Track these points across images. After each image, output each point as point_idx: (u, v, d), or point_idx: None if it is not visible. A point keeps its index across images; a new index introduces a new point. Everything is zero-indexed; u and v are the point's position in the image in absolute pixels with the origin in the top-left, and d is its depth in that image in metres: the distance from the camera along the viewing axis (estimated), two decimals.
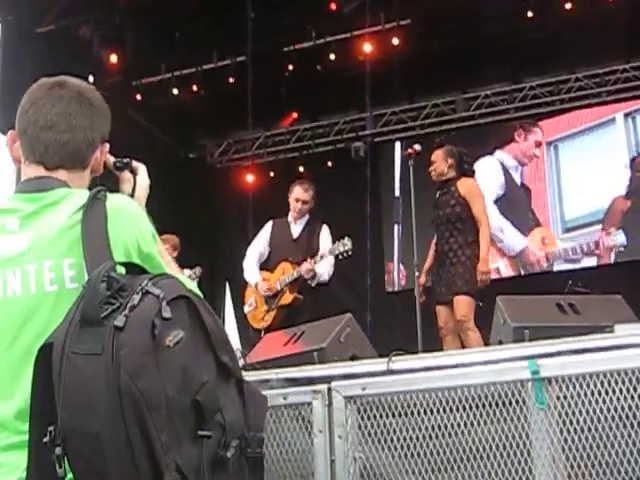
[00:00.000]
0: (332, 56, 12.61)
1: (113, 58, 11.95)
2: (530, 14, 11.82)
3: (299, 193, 8.97)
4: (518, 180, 13.64)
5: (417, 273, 8.06)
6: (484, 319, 7.20)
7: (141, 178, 2.85)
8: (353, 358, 6.00)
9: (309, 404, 3.52)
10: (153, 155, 11.89)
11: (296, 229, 8.97)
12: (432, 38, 12.27)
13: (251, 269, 9.02)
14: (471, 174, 8.54)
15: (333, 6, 11.60)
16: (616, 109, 13.34)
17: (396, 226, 13.59)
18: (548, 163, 13.65)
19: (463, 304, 7.98)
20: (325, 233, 8.92)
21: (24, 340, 2.28)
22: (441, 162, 8.39)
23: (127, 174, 2.83)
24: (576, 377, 3.21)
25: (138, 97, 13.33)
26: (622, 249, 12.88)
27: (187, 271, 9.18)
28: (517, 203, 12.91)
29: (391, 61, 12.20)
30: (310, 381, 4.15)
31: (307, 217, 9.01)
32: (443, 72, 12.71)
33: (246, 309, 9.16)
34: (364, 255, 13.33)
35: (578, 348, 3.80)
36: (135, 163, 2.86)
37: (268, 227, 9.15)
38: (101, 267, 2.13)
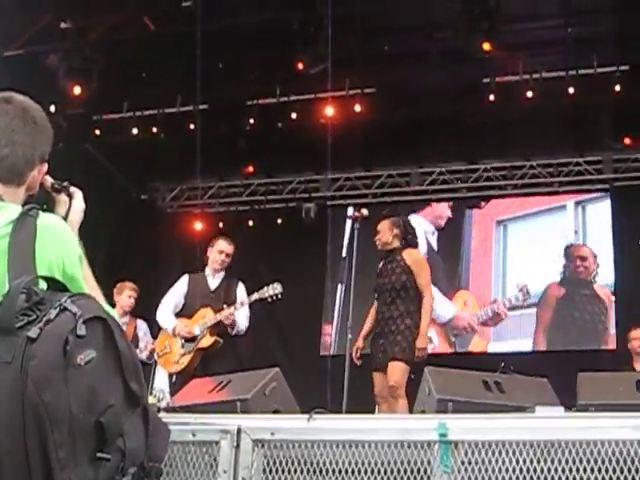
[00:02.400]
0: (294, 115, 12.75)
1: (77, 90, 11.91)
2: (492, 97, 12.03)
3: (224, 246, 9.21)
4: (435, 245, 13.87)
5: (350, 335, 8.09)
6: (415, 390, 7.26)
7: (77, 202, 2.87)
8: (276, 412, 6.00)
9: (217, 443, 3.52)
10: (105, 191, 11.91)
11: (213, 282, 9.18)
12: (394, 109, 12.43)
13: (167, 316, 9.11)
14: (415, 245, 8.62)
15: (300, 66, 11.70)
16: (568, 197, 13.57)
17: (339, 286, 13.66)
18: (496, 241, 13.84)
19: (397, 370, 8.00)
20: (241, 289, 9.09)
21: None
22: (386, 232, 8.48)
23: (63, 197, 2.85)
24: (483, 443, 3.24)
25: (97, 132, 13.35)
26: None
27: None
28: (437, 268, 13.12)
29: (351, 127, 12.33)
30: None
31: (223, 273, 9.16)
32: (402, 144, 12.87)
33: (156, 356, 9.24)
34: (303, 315, 13.39)
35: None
36: (73, 188, 2.88)
37: (184, 280, 9.29)
38: (22, 278, 2.14)
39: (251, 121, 12.89)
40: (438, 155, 13.64)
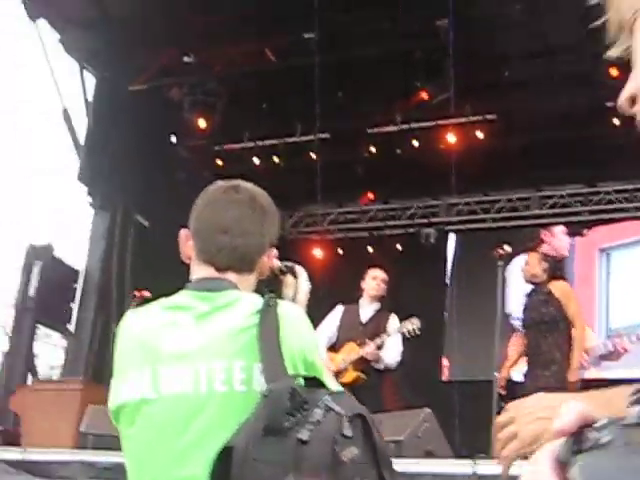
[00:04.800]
0: (415, 142, 12.76)
1: (201, 123, 12.16)
2: (616, 121, 11.89)
3: (377, 272, 9.19)
4: None
5: (497, 374, 8.06)
6: None
7: (303, 282, 2.93)
8: (429, 454, 6.04)
9: None
10: None
11: (365, 314, 9.09)
12: (515, 134, 12.38)
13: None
14: (562, 277, 8.59)
15: (423, 95, 11.76)
16: None
17: (445, 314, 13.73)
18: (599, 270, 13.67)
19: None
20: (393, 321, 8.99)
21: (190, 436, 2.36)
22: (536, 265, 8.46)
23: (290, 278, 2.92)
24: None
25: (219, 162, 13.53)
26: None
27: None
28: None
29: (471, 153, 12.29)
30: None
31: (378, 304, 9.11)
32: (522, 168, 12.79)
33: None
34: (423, 343, 13.39)
35: None
36: (297, 267, 2.95)
37: (338, 311, 9.24)
38: (286, 380, 2.21)
39: (372, 149, 12.96)
40: (558, 179, 13.51)
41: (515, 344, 8.81)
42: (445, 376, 13.81)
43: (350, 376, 8.74)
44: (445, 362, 13.89)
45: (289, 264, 2.93)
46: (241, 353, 2.40)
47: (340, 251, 14.50)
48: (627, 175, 13.25)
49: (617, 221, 13.66)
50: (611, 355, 13.08)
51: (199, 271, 2.66)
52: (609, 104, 11.91)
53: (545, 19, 10.89)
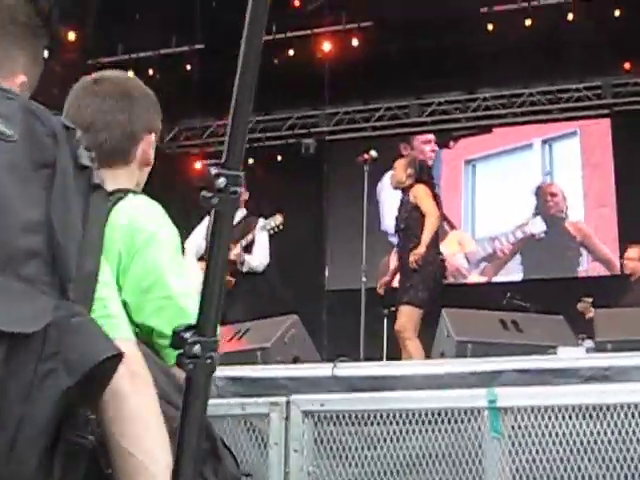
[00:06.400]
0: (291, 52, 12.62)
1: (71, 35, 11.80)
2: (490, 27, 11.94)
3: None
4: None
5: (364, 278, 8.10)
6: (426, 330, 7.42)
7: None
8: (296, 360, 6.05)
9: (266, 416, 3.52)
10: None
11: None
12: (391, 42, 12.30)
13: (187, 261, 8.95)
14: (425, 181, 8.50)
15: (297, 2, 11.60)
16: (536, 134, 13.67)
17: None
18: (464, 181, 13.89)
19: (403, 314, 7.97)
20: (261, 222, 8.89)
21: None
22: (401, 171, 8.39)
23: None
24: (532, 409, 3.26)
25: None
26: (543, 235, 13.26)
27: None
28: None
29: (349, 61, 12.22)
30: (253, 381, 4.17)
31: (244, 211, 8.99)
32: (400, 76, 12.75)
33: None
34: (305, 251, 13.40)
35: (522, 368, 3.88)
36: None
37: (204, 222, 9.10)
38: None
39: None
40: (436, 86, 13.53)
41: (393, 258, 8.91)
42: (326, 284, 13.86)
43: None
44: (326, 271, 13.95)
45: None
46: None
47: None
48: (504, 81, 13.36)
49: (495, 127, 13.80)
50: (491, 257, 13.38)
51: None
52: (483, 10, 11.99)
53: None
